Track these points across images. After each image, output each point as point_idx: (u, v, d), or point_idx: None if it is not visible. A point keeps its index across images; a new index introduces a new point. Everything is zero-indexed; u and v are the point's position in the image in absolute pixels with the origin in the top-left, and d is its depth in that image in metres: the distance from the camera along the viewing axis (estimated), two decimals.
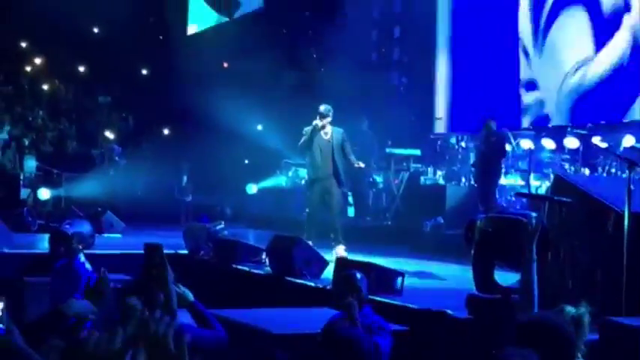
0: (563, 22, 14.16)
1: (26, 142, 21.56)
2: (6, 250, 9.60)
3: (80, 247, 7.58)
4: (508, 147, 12.98)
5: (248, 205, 18.55)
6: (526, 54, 14.99)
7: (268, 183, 18.19)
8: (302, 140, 10.97)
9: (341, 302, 5.16)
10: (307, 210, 11.28)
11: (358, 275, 5.47)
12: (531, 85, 14.87)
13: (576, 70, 13.82)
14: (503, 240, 5.77)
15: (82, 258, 7.48)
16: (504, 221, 5.85)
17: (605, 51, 13.28)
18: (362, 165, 11.32)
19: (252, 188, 18.45)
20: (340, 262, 7.67)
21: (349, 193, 15.26)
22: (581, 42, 13.79)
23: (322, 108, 10.84)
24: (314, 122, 10.76)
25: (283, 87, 19.88)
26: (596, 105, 13.45)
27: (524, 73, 15.01)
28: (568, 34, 14.08)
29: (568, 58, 14.03)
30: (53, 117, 24.33)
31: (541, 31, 14.60)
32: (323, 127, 10.72)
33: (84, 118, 24.98)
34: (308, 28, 21.96)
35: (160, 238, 11.67)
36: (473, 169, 13.59)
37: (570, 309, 3.13)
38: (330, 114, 10.82)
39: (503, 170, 12.92)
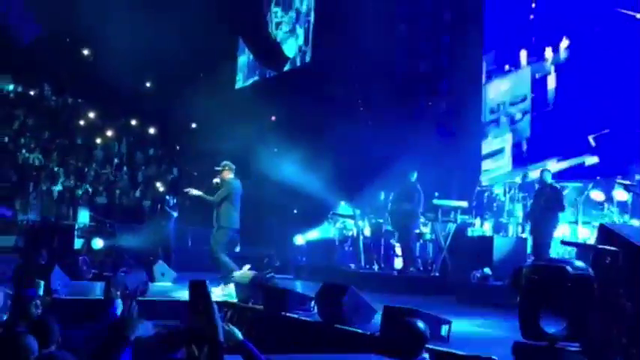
0: None
1: (80, 194, 22.09)
2: (64, 297, 9.95)
3: (118, 293, 7.94)
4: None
5: (295, 255, 18.71)
6: None
7: (315, 234, 18.36)
8: None
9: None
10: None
11: (421, 325, 5.52)
12: None
13: None
14: (549, 287, 5.86)
15: (119, 303, 7.85)
16: (550, 269, 5.95)
17: None
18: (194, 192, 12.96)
19: (299, 239, 18.64)
20: (387, 309, 7.77)
21: (396, 244, 15.38)
22: None
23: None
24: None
25: (331, 139, 20.12)
26: None
27: None
28: None
29: None
30: (106, 169, 24.91)
31: None
32: (222, 180, 12.36)
33: (136, 170, 25.53)
34: (355, 82, 22.26)
35: (209, 286, 11.94)
36: (527, 221, 13.60)
37: None
38: (227, 167, 12.41)
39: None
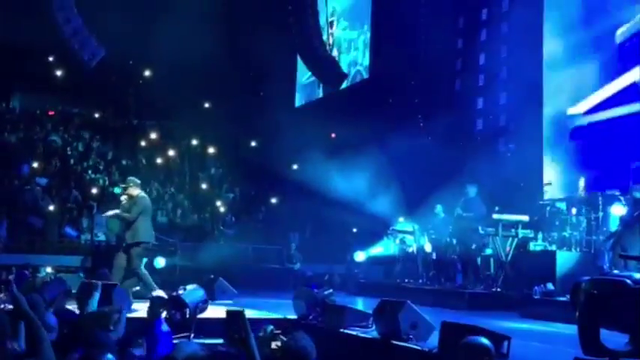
0: None
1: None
2: (125, 314, 10.05)
3: (161, 310, 8.11)
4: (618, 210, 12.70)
5: (356, 272, 18.67)
6: None
7: (375, 250, 18.29)
8: None
9: None
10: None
11: (484, 341, 5.32)
12: None
13: None
14: (608, 301, 5.72)
15: (163, 320, 8.00)
16: (609, 283, 5.81)
17: None
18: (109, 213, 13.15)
19: (359, 256, 18.60)
20: (445, 326, 7.66)
21: (457, 260, 15.20)
22: None
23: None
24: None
25: (391, 156, 20.05)
26: None
27: None
28: None
29: None
30: (167, 189, 25.21)
31: None
32: (130, 196, 12.53)
33: (196, 189, 25.79)
34: (414, 97, 22.17)
35: (269, 303, 12.00)
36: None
37: None
38: (132, 184, 12.68)
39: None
